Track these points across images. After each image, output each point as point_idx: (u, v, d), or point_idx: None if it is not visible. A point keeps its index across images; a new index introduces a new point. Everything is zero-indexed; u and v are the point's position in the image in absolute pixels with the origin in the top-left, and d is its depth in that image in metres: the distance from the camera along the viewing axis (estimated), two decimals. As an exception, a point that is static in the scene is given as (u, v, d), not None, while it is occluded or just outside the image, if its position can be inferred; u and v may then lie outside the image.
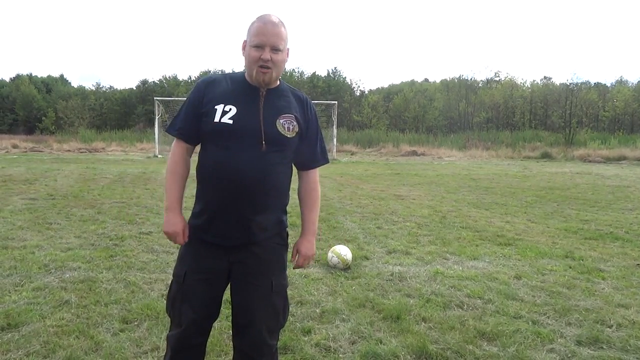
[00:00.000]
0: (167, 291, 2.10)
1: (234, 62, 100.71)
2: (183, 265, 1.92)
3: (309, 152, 2.02)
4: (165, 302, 2.12)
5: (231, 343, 2.79)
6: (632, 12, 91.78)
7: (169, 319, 2.00)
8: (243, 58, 1.90)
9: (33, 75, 61.33)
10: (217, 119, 1.83)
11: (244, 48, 1.90)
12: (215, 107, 1.85)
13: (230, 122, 1.83)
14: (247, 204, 1.83)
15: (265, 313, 1.89)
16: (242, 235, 1.86)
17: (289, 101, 1.94)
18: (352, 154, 27.33)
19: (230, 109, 1.85)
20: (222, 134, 1.83)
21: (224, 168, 1.82)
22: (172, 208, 1.94)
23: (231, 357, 2.63)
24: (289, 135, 1.88)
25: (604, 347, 2.87)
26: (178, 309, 1.92)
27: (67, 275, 3.97)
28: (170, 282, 2.00)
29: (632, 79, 61.80)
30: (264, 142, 1.82)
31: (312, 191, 2.06)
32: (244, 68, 1.94)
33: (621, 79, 52.74)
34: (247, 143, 1.83)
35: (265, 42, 1.81)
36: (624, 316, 3.32)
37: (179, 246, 1.98)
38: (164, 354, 2.58)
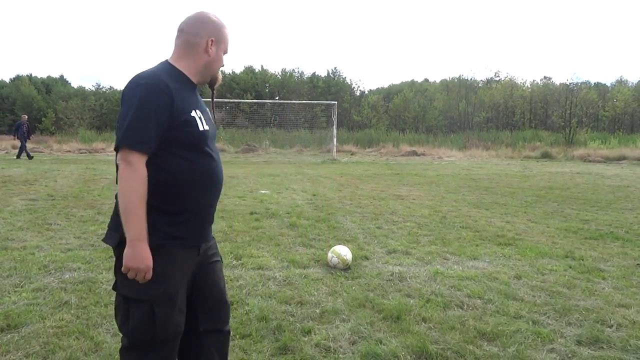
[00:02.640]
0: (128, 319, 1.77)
1: (233, 62, 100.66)
2: (172, 284, 1.76)
3: None
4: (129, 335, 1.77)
5: (231, 344, 2.80)
6: (632, 12, 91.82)
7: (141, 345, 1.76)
8: (198, 54, 1.82)
9: (33, 75, 61.36)
10: (201, 128, 1.77)
11: (210, 46, 1.82)
12: (192, 114, 1.76)
13: (208, 128, 1.81)
14: (217, 202, 1.95)
15: (224, 282, 2.05)
16: (211, 229, 1.96)
17: None
18: (352, 154, 27.32)
19: (200, 115, 1.80)
20: (206, 142, 1.80)
21: (215, 174, 1.84)
22: (144, 238, 1.66)
23: (230, 358, 2.63)
24: None
25: (604, 347, 2.86)
26: (172, 326, 1.78)
27: (67, 276, 3.97)
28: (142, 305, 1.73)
29: (632, 79, 61.67)
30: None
31: None
32: (168, 61, 1.83)
33: (621, 79, 52.69)
34: (215, 147, 1.87)
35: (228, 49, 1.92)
36: (624, 316, 3.32)
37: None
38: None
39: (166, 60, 1.84)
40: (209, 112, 1.92)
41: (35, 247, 4.87)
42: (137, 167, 1.64)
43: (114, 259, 1.79)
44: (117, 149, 1.68)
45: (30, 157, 19.06)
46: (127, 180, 1.64)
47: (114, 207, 1.79)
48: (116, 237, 1.75)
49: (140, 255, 1.65)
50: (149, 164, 1.68)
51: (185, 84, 1.80)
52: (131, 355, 1.79)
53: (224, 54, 1.88)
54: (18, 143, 20.22)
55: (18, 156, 19.25)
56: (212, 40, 1.82)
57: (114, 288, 1.82)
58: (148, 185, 1.67)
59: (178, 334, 1.83)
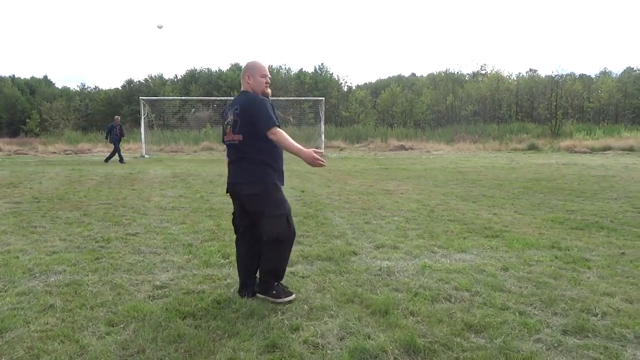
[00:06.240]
0: (285, 225, 3.43)
1: (220, 61, 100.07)
2: (286, 204, 3.50)
3: None
4: (287, 231, 3.45)
5: (219, 343, 2.79)
6: (615, 3, 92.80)
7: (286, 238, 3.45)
8: (248, 84, 3.48)
9: (16, 76, 60.44)
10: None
11: (248, 79, 3.48)
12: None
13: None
14: None
15: None
16: None
17: None
18: (340, 150, 27.33)
19: None
20: None
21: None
22: (303, 148, 3.27)
23: (218, 357, 2.62)
24: None
25: (590, 335, 2.89)
26: (293, 226, 3.51)
27: (52, 279, 3.92)
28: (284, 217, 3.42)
29: (616, 70, 62.45)
30: None
31: None
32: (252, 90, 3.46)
33: (605, 70, 53.37)
34: None
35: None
36: (609, 304, 3.36)
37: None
38: (145, 353, 2.56)
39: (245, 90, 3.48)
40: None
41: (20, 251, 4.80)
42: (281, 130, 3.26)
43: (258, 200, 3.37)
44: (267, 129, 3.22)
45: (122, 161, 17.69)
46: (283, 136, 3.24)
47: (251, 168, 3.35)
48: (261, 186, 3.35)
49: (310, 153, 3.20)
50: (269, 144, 3.28)
51: None
52: (278, 244, 3.41)
53: (262, 77, 3.44)
54: (2, 145, 19.68)
55: (107, 159, 18.08)
56: (248, 76, 3.45)
57: (265, 215, 3.37)
58: (269, 154, 3.33)
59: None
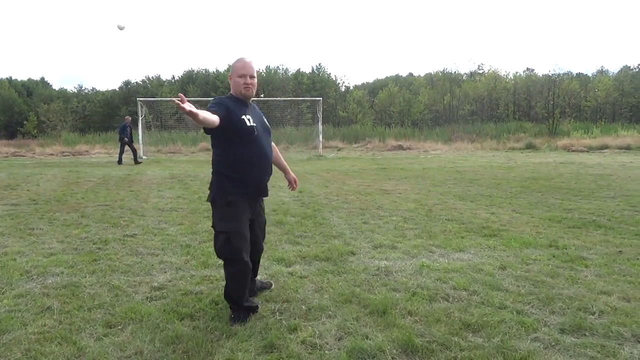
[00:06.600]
0: (222, 244, 3.08)
1: (217, 62, 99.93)
2: (234, 223, 3.09)
3: None
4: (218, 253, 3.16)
5: (217, 344, 2.79)
6: (612, 2, 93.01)
7: (227, 259, 3.10)
8: (231, 86, 3.23)
9: (13, 78, 60.33)
10: (249, 124, 3.09)
11: (229, 79, 3.25)
12: (242, 117, 3.08)
13: (255, 124, 3.14)
14: (269, 172, 3.30)
15: (262, 234, 3.49)
16: (263, 192, 3.32)
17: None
18: (338, 150, 27.33)
19: (249, 117, 3.13)
20: (255, 134, 3.14)
21: (261, 155, 3.21)
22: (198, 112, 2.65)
23: (216, 358, 2.62)
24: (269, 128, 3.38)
25: (587, 334, 2.90)
26: (238, 249, 3.05)
27: (50, 281, 3.92)
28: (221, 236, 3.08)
29: (613, 69, 62.68)
30: (268, 135, 3.35)
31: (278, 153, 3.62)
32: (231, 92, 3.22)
33: (602, 69, 53.51)
34: (265, 137, 3.27)
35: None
36: (606, 303, 3.36)
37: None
38: (143, 355, 2.56)
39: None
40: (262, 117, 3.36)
41: (17, 253, 4.79)
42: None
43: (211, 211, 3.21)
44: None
45: (119, 162, 17.91)
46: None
47: (212, 178, 3.19)
48: (210, 196, 3.18)
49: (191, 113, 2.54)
50: (228, 152, 3.11)
51: (236, 100, 3.18)
52: (224, 265, 3.17)
53: (240, 77, 3.13)
54: None
55: (136, 161, 18.12)
56: (229, 77, 3.22)
57: (212, 226, 3.19)
58: (224, 164, 3.12)
59: (242, 250, 3.08)
